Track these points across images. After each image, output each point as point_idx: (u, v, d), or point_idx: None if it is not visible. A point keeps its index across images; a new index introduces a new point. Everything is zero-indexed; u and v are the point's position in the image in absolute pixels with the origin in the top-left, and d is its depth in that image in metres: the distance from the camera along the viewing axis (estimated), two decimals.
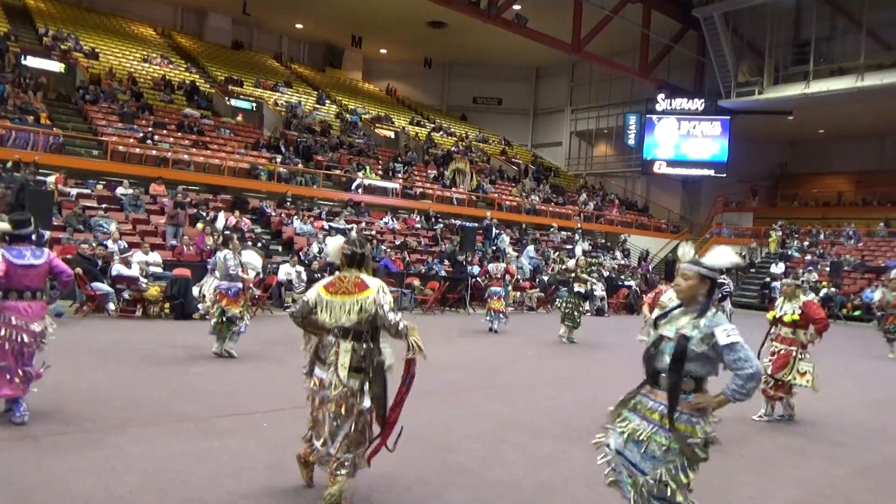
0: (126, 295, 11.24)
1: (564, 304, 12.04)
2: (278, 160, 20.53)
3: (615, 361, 9.68)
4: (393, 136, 28.38)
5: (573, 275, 12.52)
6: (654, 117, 29.88)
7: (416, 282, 16.25)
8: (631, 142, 31.40)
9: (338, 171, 21.99)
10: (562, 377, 8.57)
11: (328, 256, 4.05)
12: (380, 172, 23.09)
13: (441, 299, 16.25)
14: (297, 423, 4.19)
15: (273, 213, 18.06)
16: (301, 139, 22.82)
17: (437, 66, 37.23)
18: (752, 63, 27.03)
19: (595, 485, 3.81)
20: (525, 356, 9.95)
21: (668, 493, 2.85)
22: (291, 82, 30.12)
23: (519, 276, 17.76)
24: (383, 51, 36.01)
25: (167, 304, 11.29)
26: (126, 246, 12.64)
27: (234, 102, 23.88)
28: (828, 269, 23.31)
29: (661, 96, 29.73)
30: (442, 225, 21.48)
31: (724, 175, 29.58)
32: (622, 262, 24.63)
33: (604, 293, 18.81)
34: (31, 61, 20.03)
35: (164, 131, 19.44)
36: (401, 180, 23.14)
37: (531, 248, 21.45)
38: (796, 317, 6.38)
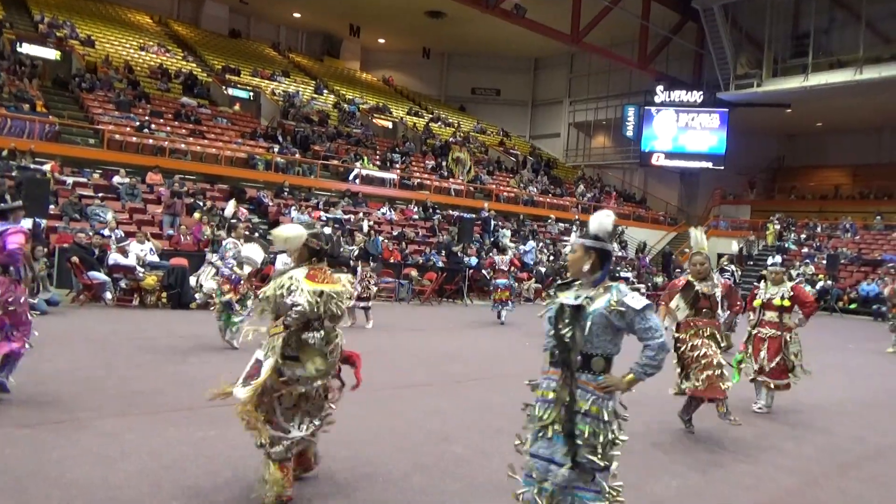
0: (123, 284, 11.22)
1: None
2: (276, 150, 20.48)
3: None
4: (391, 127, 28.31)
5: None
6: (653, 109, 29.86)
7: (414, 273, 16.27)
8: (629, 133, 31.38)
9: (335, 161, 21.95)
10: None
11: (281, 243, 3.62)
12: (377, 163, 23.04)
13: (439, 290, 16.28)
14: None
15: (270, 203, 18.01)
16: (298, 129, 22.74)
17: (435, 57, 37.06)
18: (751, 55, 27.02)
19: None
20: (523, 347, 9.96)
21: (587, 479, 2.68)
22: (289, 71, 29.97)
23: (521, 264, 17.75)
24: (381, 40, 35.83)
25: (164, 294, 11.28)
26: (123, 235, 12.59)
27: (231, 91, 23.76)
28: (824, 261, 23.40)
29: (659, 88, 29.71)
30: (439, 216, 21.48)
31: (722, 167, 29.66)
32: (619, 253, 24.62)
33: None
34: (27, 48, 19.90)
35: (161, 120, 19.37)
36: (398, 171, 23.10)
37: (532, 243, 21.39)
38: (787, 302, 6.40)
